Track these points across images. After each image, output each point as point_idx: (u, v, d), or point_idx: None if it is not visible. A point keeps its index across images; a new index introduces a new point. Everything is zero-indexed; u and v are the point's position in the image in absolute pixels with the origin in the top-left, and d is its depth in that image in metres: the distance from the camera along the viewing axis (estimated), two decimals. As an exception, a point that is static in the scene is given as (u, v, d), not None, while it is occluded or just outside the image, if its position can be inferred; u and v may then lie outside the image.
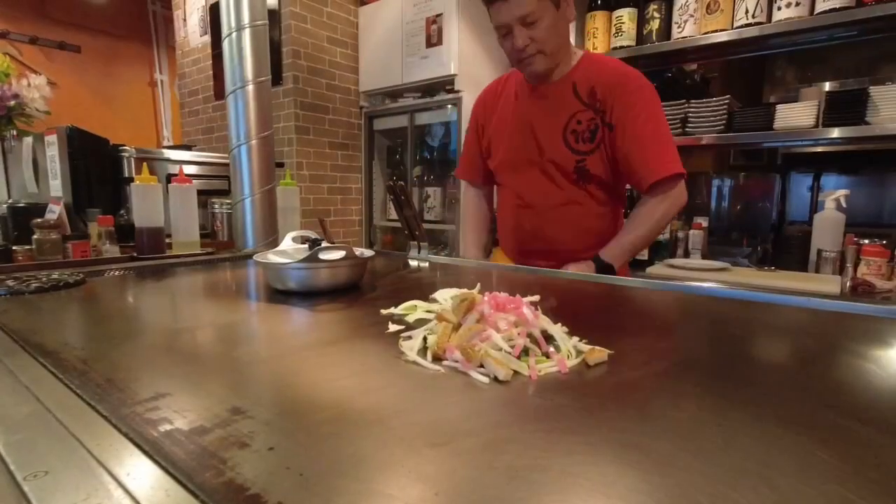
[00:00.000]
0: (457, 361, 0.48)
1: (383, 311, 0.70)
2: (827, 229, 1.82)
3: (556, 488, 0.28)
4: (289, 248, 0.99)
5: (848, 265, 1.73)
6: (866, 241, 1.73)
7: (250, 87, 1.41)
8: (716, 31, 1.98)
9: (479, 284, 0.77)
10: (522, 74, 1.28)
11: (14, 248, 1.28)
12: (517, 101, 1.32)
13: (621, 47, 2.23)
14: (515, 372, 0.46)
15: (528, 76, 1.25)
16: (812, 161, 2.35)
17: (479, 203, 1.55)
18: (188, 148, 2.41)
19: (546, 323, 0.54)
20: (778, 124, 1.89)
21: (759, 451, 0.33)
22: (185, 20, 3.72)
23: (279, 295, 0.84)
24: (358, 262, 0.88)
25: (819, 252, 1.81)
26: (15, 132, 1.79)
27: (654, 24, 2.15)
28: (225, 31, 1.41)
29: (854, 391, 0.45)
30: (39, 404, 0.39)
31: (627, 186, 1.32)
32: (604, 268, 1.18)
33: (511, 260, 1.41)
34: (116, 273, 1.08)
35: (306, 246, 0.94)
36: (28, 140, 1.76)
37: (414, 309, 0.69)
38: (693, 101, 2.07)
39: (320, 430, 0.35)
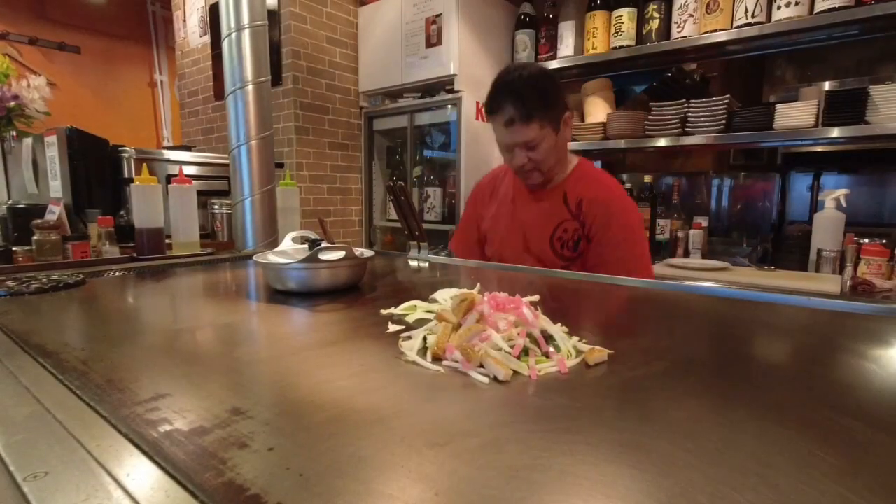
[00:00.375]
0: (457, 361, 0.48)
1: (383, 312, 0.70)
2: (827, 229, 1.82)
3: (556, 488, 0.28)
4: (289, 249, 0.99)
5: (848, 265, 1.73)
6: (866, 241, 1.73)
7: (250, 88, 1.42)
8: (715, 30, 1.98)
9: (478, 284, 0.77)
10: (515, 180, 1.41)
11: (14, 248, 1.28)
12: (513, 203, 1.41)
13: (621, 47, 2.23)
14: (515, 372, 0.46)
15: (527, 185, 1.36)
16: (812, 160, 2.35)
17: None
18: (188, 148, 2.41)
19: (546, 323, 0.54)
20: (778, 124, 1.89)
21: (759, 451, 0.33)
22: (184, 21, 3.72)
23: (279, 295, 0.84)
24: (358, 263, 0.88)
25: (819, 252, 1.81)
26: (15, 133, 1.79)
27: (654, 24, 2.15)
28: (224, 31, 1.41)
29: (854, 391, 0.45)
30: (39, 405, 0.39)
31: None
32: None
33: None
34: (116, 274, 1.08)
35: (306, 246, 0.94)
36: (28, 141, 1.76)
37: (414, 309, 0.69)
38: (693, 100, 2.07)
39: (320, 430, 0.35)
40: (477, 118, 2.69)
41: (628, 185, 2.44)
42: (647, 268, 1.30)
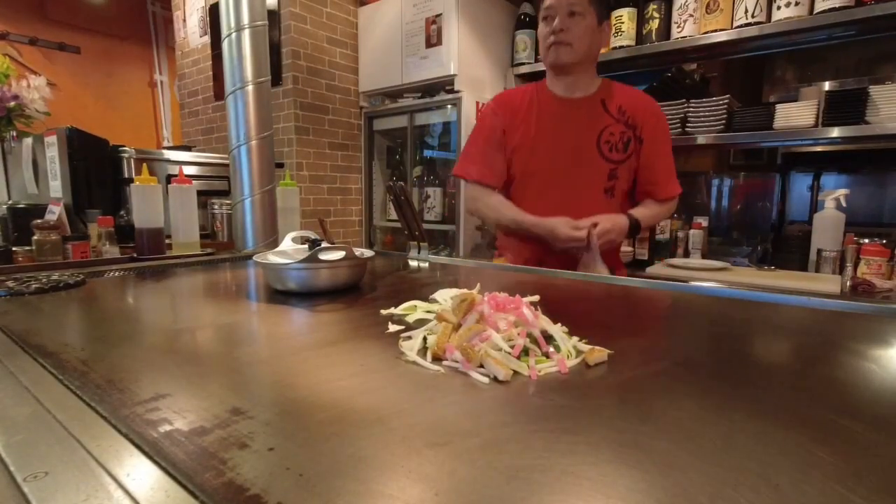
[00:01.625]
0: (457, 361, 0.48)
1: (383, 312, 0.70)
2: (827, 229, 1.82)
3: (556, 488, 0.28)
4: (289, 249, 0.99)
5: (848, 264, 1.73)
6: (866, 241, 1.73)
7: (250, 88, 1.42)
8: (715, 30, 1.98)
9: (478, 284, 0.77)
10: (539, 88, 1.41)
11: (14, 249, 1.28)
12: (548, 116, 1.38)
13: (621, 47, 2.23)
14: (515, 372, 0.46)
15: (551, 62, 1.34)
16: (812, 160, 2.35)
17: (503, 198, 1.48)
18: (188, 148, 2.41)
19: (546, 323, 0.54)
20: (777, 124, 1.89)
21: (759, 450, 0.33)
22: (184, 21, 3.72)
23: (279, 295, 0.84)
24: (358, 263, 0.88)
25: (819, 252, 1.81)
26: (15, 133, 1.79)
27: (654, 24, 2.15)
28: (224, 31, 1.41)
29: (854, 391, 0.45)
30: (39, 405, 0.39)
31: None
32: (634, 224, 1.33)
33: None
34: (116, 274, 1.08)
35: (306, 246, 0.94)
36: (28, 141, 1.76)
37: (414, 309, 0.69)
38: (693, 100, 2.07)
39: (320, 430, 0.35)
40: (477, 118, 2.69)
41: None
42: (676, 179, 1.42)
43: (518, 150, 1.41)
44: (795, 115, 1.85)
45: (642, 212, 1.37)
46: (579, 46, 1.29)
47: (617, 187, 1.37)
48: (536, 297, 0.67)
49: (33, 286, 0.85)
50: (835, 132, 1.77)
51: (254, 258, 0.92)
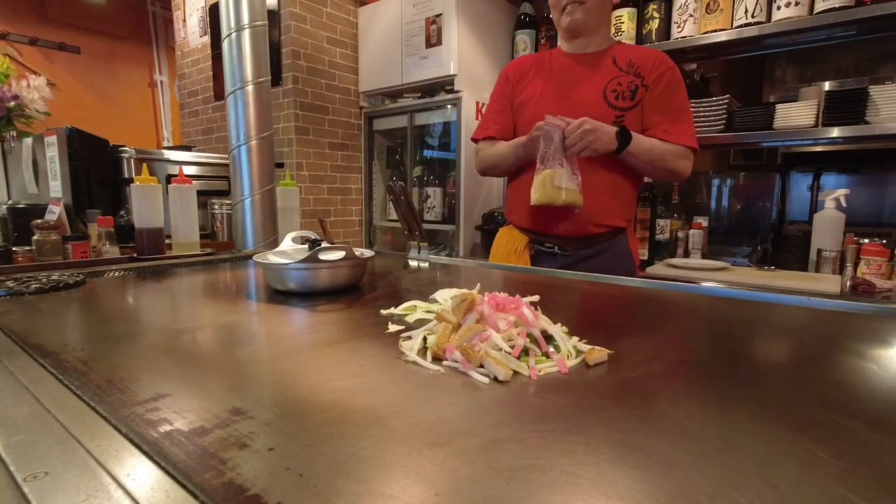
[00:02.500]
0: (457, 361, 0.48)
1: (383, 312, 0.70)
2: (827, 229, 1.82)
3: (556, 488, 0.28)
4: (289, 249, 0.99)
5: (848, 264, 1.73)
6: (866, 241, 1.73)
7: (250, 88, 1.42)
8: (715, 30, 1.98)
9: (478, 285, 0.77)
10: (556, 53, 1.42)
11: (14, 249, 1.28)
12: (553, 72, 1.40)
13: (621, 47, 2.23)
14: (515, 372, 0.46)
15: (565, 26, 1.35)
16: (812, 160, 2.35)
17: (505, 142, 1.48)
18: (188, 148, 2.41)
19: (546, 323, 0.54)
20: (777, 124, 1.89)
21: (759, 451, 0.33)
22: (184, 21, 3.72)
23: (279, 295, 0.84)
24: (358, 263, 0.88)
25: (819, 252, 1.81)
26: (15, 133, 1.79)
27: (654, 24, 2.15)
28: (224, 31, 1.41)
29: (854, 391, 0.45)
30: (39, 405, 0.39)
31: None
32: (624, 134, 1.27)
33: (522, 233, 1.42)
34: (116, 274, 1.08)
35: (306, 246, 0.94)
36: (28, 141, 1.76)
37: (414, 309, 0.69)
38: (693, 100, 2.07)
39: (320, 430, 0.35)
40: (477, 118, 2.69)
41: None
42: (692, 133, 1.33)
43: (526, 103, 1.43)
44: (795, 115, 1.85)
45: (639, 135, 1.30)
46: (592, 5, 1.31)
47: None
48: (536, 298, 0.67)
49: (33, 286, 0.85)
50: (835, 132, 1.77)
51: (254, 258, 0.92)
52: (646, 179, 2.24)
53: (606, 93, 1.32)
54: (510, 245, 1.43)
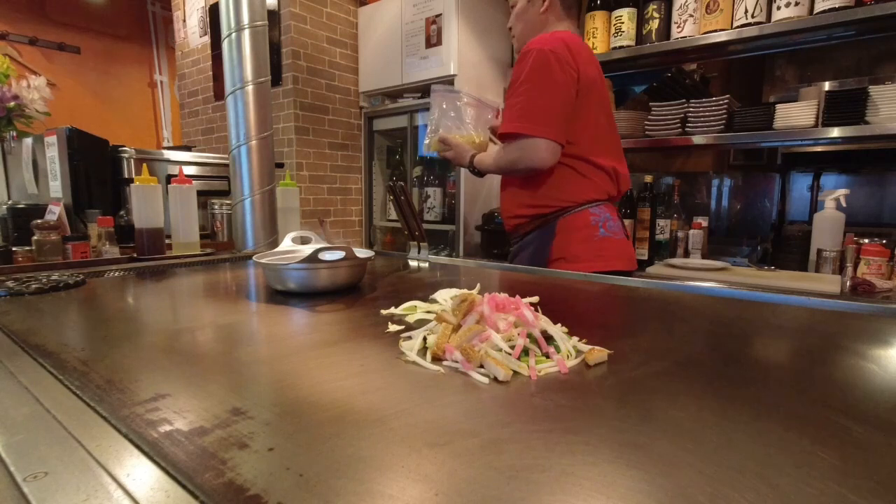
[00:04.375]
0: (457, 362, 0.48)
1: (383, 312, 0.70)
2: (827, 229, 1.82)
3: (556, 488, 0.28)
4: (289, 249, 0.99)
5: (848, 265, 1.73)
6: (866, 241, 1.73)
7: (250, 88, 1.42)
8: (715, 30, 1.98)
9: (479, 285, 0.77)
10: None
11: (14, 249, 1.27)
12: None
13: (621, 47, 2.23)
14: (515, 372, 0.46)
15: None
16: (812, 160, 2.35)
17: None
18: (188, 149, 2.41)
19: (546, 323, 0.54)
20: (777, 124, 1.89)
21: (759, 450, 0.33)
22: (184, 21, 3.72)
23: (279, 295, 0.84)
24: (358, 263, 0.88)
25: (819, 252, 1.81)
26: (15, 133, 1.79)
27: (654, 24, 2.15)
28: (224, 31, 1.41)
29: (854, 391, 0.45)
30: (39, 405, 0.39)
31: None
32: (472, 167, 1.41)
33: None
34: (116, 274, 1.08)
35: (306, 247, 0.94)
36: (28, 141, 1.76)
37: (414, 309, 0.69)
38: (693, 100, 2.07)
39: (320, 430, 0.35)
40: (477, 118, 2.69)
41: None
42: (526, 110, 1.26)
43: None
44: (795, 115, 1.85)
45: (485, 153, 1.41)
46: (516, 31, 1.41)
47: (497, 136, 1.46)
48: (536, 298, 0.67)
49: (33, 286, 0.85)
50: (835, 132, 1.77)
51: (254, 258, 0.92)
52: (647, 179, 2.23)
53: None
54: None
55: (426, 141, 1.47)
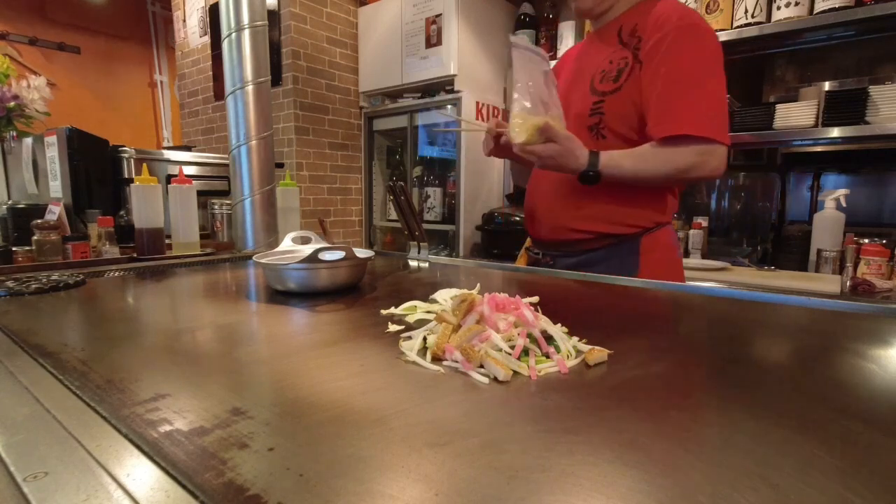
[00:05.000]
0: (457, 362, 0.48)
1: (383, 312, 0.70)
2: (827, 229, 1.82)
3: (556, 488, 0.28)
4: (288, 249, 0.99)
5: (848, 265, 1.73)
6: (866, 241, 1.73)
7: (250, 88, 1.42)
8: (715, 30, 1.98)
9: (478, 285, 0.77)
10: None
11: (14, 249, 1.27)
12: (578, 58, 1.21)
13: (621, 47, 2.23)
14: (515, 372, 0.46)
15: (574, 10, 1.16)
16: (812, 160, 2.35)
17: None
18: (188, 149, 2.41)
19: (546, 323, 0.54)
20: (777, 124, 1.89)
21: (759, 450, 0.33)
22: (184, 21, 3.72)
23: (279, 295, 0.84)
24: (358, 263, 0.88)
25: (819, 252, 1.81)
26: (14, 133, 1.79)
27: (654, 24, 2.15)
28: (224, 31, 1.41)
29: (854, 391, 0.45)
30: (39, 405, 0.39)
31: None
32: (590, 172, 1.00)
33: (530, 239, 1.29)
34: (116, 274, 1.08)
35: (306, 247, 0.94)
36: (28, 141, 1.76)
37: (414, 309, 0.69)
38: (693, 100, 2.07)
39: (320, 430, 0.35)
40: (477, 118, 2.69)
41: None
42: (707, 108, 0.97)
43: None
44: (795, 115, 1.85)
45: (619, 154, 1.02)
46: None
47: (606, 125, 1.06)
48: (536, 298, 0.67)
49: (33, 286, 0.85)
50: (835, 132, 1.77)
51: (254, 258, 0.92)
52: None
53: (594, 76, 1.08)
54: (523, 250, 1.34)
55: (512, 124, 0.97)
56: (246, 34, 1.39)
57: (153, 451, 0.32)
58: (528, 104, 0.94)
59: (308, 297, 0.82)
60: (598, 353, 0.50)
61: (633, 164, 1.01)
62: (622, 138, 1.06)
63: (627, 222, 1.09)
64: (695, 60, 0.98)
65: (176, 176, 1.35)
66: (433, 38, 2.70)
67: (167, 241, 1.36)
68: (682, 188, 1.16)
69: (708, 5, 2.00)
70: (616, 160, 1.01)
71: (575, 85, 1.14)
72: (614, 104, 1.05)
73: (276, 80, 2.84)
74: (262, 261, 0.87)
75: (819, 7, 1.76)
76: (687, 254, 2.15)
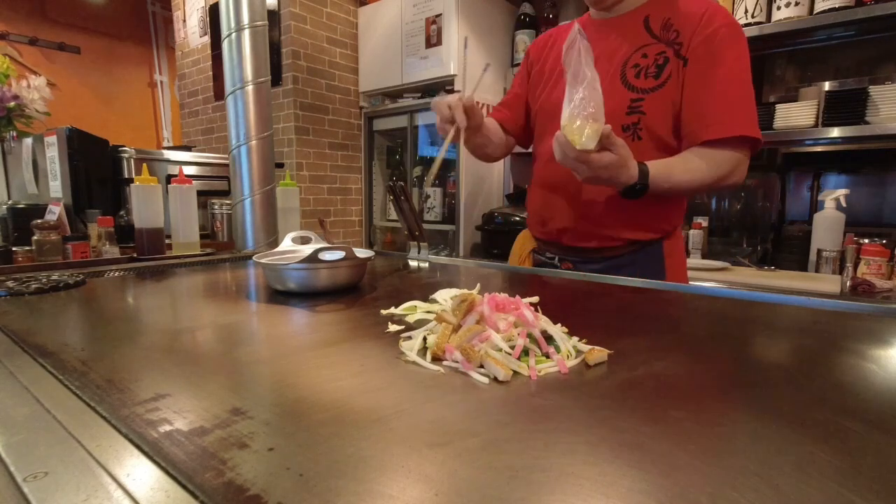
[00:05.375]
0: (457, 362, 0.48)
1: (383, 312, 0.70)
2: (827, 229, 1.82)
3: (556, 488, 0.28)
4: (288, 249, 0.99)
5: (848, 265, 1.73)
6: (866, 241, 1.73)
7: (250, 88, 1.42)
8: (715, 30, 1.98)
9: (478, 285, 0.77)
10: (584, 19, 1.15)
11: (14, 249, 1.28)
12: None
13: (621, 47, 2.23)
14: (515, 372, 0.46)
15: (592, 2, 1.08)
16: (812, 160, 2.35)
17: (495, 125, 1.23)
18: (188, 149, 2.41)
19: (546, 323, 0.54)
20: (778, 124, 1.89)
21: (759, 450, 0.33)
22: (184, 21, 3.72)
23: (279, 295, 0.84)
24: (358, 263, 0.88)
25: (819, 252, 1.81)
26: (15, 133, 1.79)
27: (654, 24, 2.15)
28: (224, 31, 1.41)
29: (854, 391, 0.45)
30: (39, 405, 0.39)
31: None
32: (636, 186, 0.93)
33: (532, 239, 1.23)
34: (116, 274, 1.08)
35: (305, 247, 0.94)
36: (28, 141, 1.76)
37: (414, 309, 0.69)
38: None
39: (320, 430, 0.35)
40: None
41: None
42: (746, 117, 0.95)
43: (540, 86, 1.18)
44: (795, 115, 1.85)
45: (665, 164, 0.96)
46: None
47: (644, 126, 1.00)
48: (536, 299, 0.67)
49: (33, 286, 0.85)
50: (835, 132, 1.78)
51: (253, 258, 0.92)
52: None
53: (626, 69, 1.01)
54: (519, 251, 1.29)
55: (577, 128, 0.82)
56: (246, 34, 1.39)
57: (153, 451, 0.32)
58: (592, 108, 0.81)
59: (308, 297, 0.82)
60: (598, 353, 0.50)
61: (681, 176, 0.97)
62: (658, 140, 1.01)
63: (654, 227, 1.07)
64: (744, 61, 0.97)
65: (176, 176, 1.35)
66: (433, 38, 2.70)
67: (167, 241, 1.36)
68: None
69: (708, 5, 2.00)
70: (664, 172, 0.95)
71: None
72: (656, 103, 0.99)
73: (276, 80, 2.84)
74: (262, 261, 0.87)
75: (819, 7, 1.76)
76: (687, 254, 2.15)
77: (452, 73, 2.64)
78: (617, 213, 1.05)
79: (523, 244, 1.28)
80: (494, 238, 2.55)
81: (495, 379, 0.45)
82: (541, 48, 1.23)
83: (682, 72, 0.98)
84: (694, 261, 2.02)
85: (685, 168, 0.98)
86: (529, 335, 0.51)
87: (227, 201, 1.79)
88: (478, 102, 1.10)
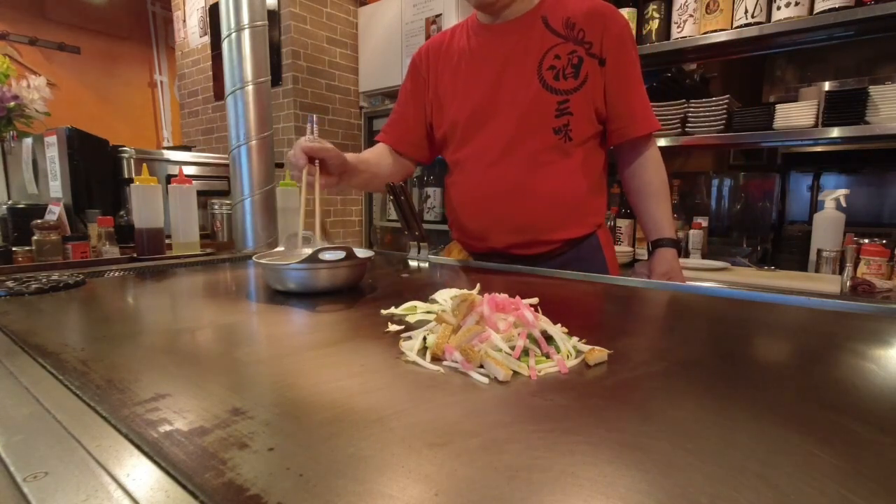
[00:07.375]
0: (456, 362, 0.48)
1: (383, 312, 0.70)
2: (827, 229, 1.82)
3: (556, 488, 0.28)
4: (288, 249, 0.99)
5: (848, 265, 1.73)
6: (866, 241, 1.73)
7: (250, 88, 1.42)
8: (715, 30, 1.98)
9: (478, 285, 0.77)
10: (469, 21, 1.15)
11: (14, 249, 1.28)
12: (472, 50, 1.11)
13: (621, 47, 2.23)
14: (515, 372, 0.46)
15: (476, 4, 1.07)
16: (812, 161, 2.35)
17: (382, 152, 1.22)
18: (188, 149, 2.41)
19: (546, 323, 0.54)
20: (777, 124, 1.89)
21: (759, 451, 0.33)
22: (184, 21, 3.72)
23: (279, 296, 0.83)
24: (358, 263, 0.88)
25: (819, 252, 1.81)
26: (15, 133, 1.79)
27: (654, 24, 2.15)
28: (224, 31, 1.41)
29: (854, 391, 0.45)
30: (39, 405, 0.39)
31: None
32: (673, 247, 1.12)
33: (467, 252, 1.26)
34: (116, 274, 1.08)
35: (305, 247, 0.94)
36: (28, 141, 1.76)
37: (414, 310, 0.69)
38: (693, 100, 2.07)
39: (320, 430, 0.35)
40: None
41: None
42: (651, 110, 1.09)
43: (442, 101, 1.16)
44: (795, 115, 1.85)
45: (667, 218, 1.11)
46: None
47: (573, 127, 1.04)
48: (536, 299, 0.67)
49: (33, 286, 0.85)
50: (835, 132, 1.77)
51: (253, 258, 0.92)
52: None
53: (542, 72, 1.02)
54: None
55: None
56: (246, 34, 1.39)
57: (153, 451, 0.32)
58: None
59: (308, 297, 0.82)
60: (598, 353, 0.50)
61: (666, 202, 1.12)
62: (584, 139, 1.07)
63: (588, 222, 1.13)
64: (636, 59, 1.07)
65: (176, 176, 1.35)
66: (433, 38, 2.70)
67: (167, 241, 1.36)
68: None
69: (708, 5, 2.00)
70: (668, 217, 1.12)
71: (504, 79, 1.06)
72: (580, 102, 1.03)
73: (276, 80, 2.84)
74: (262, 261, 0.87)
75: (819, 7, 1.76)
76: (687, 254, 2.15)
77: (452, 73, 2.64)
78: (554, 216, 1.09)
79: (458, 258, 1.27)
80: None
81: (495, 379, 0.45)
82: (431, 60, 1.19)
83: (601, 71, 1.03)
84: (694, 261, 2.02)
85: (663, 194, 1.12)
86: (529, 335, 0.51)
87: (227, 201, 1.79)
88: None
